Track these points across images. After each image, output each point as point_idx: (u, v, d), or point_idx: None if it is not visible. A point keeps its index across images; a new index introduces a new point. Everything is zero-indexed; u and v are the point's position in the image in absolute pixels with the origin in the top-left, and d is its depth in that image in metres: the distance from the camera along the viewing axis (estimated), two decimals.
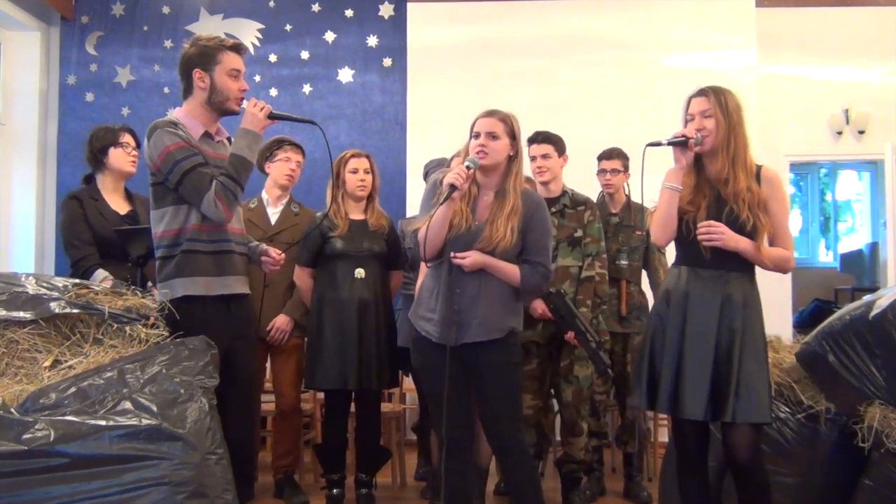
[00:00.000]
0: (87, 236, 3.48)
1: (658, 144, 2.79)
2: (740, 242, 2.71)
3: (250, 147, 2.90)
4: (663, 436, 4.74)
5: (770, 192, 2.77)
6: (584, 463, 4.03)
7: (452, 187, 2.84)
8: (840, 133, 6.15)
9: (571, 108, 5.73)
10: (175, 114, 2.99)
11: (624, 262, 4.24)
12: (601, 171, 4.35)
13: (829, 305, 7.00)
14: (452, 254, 2.93)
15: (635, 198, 4.20)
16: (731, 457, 2.72)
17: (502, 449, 3.08)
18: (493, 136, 2.95)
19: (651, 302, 4.30)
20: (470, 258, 2.93)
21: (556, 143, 3.93)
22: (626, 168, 4.31)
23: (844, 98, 6.11)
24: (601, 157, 4.37)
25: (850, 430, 2.78)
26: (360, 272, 3.86)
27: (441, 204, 2.87)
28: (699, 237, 2.72)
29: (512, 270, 2.98)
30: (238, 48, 3.00)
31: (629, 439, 4.32)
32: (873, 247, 7.65)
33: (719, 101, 2.76)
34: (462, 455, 3.06)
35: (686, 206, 2.79)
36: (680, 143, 2.77)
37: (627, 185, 4.32)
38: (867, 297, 2.96)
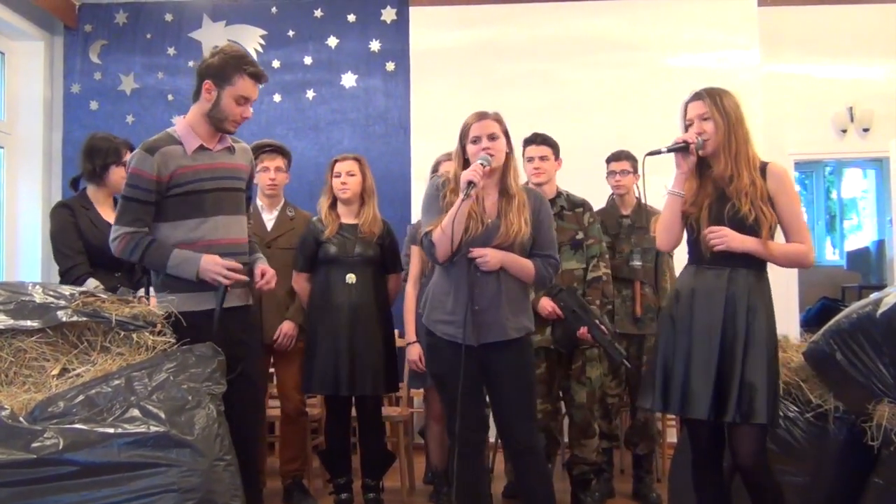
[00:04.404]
0: (78, 245, 3.44)
1: (658, 153, 2.80)
2: (746, 242, 2.71)
3: (178, 267, 2.85)
4: (672, 437, 4.73)
5: (777, 186, 2.76)
6: (595, 464, 4.02)
7: (471, 184, 2.84)
8: (844, 131, 6.12)
9: (575, 110, 5.73)
10: (177, 125, 2.98)
11: (637, 263, 4.25)
12: (611, 173, 4.36)
13: (837, 304, 6.96)
14: (471, 249, 2.92)
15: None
16: (735, 458, 2.72)
17: (517, 450, 3.10)
18: (492, 137, 2.98)
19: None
20: (491, 255, 2.93)
21: (553, 145, 3.97)
22: (636, 169, 4.32)
23: (848, 96, 6.09)
24: (610, 160, 4.38)
25: (859, 428, 2.77)
26: (350, 277, 3.87)
27: (462, 201, 2.85)
28: (707, 244, 2.73)
29: (527, 265, 3.02)
30: (258, 76, 2.93)
31: (640, 441, 4.32)
32: (879, 244, 7.62)
33: (715, 102, 2.76)
34: (476, 458, 3.07)
35: (689, 208, 2.80)
36: (680, 149, 2.78)
37: (637, 186, 4.31)
38: (874, 295, 2.94)
